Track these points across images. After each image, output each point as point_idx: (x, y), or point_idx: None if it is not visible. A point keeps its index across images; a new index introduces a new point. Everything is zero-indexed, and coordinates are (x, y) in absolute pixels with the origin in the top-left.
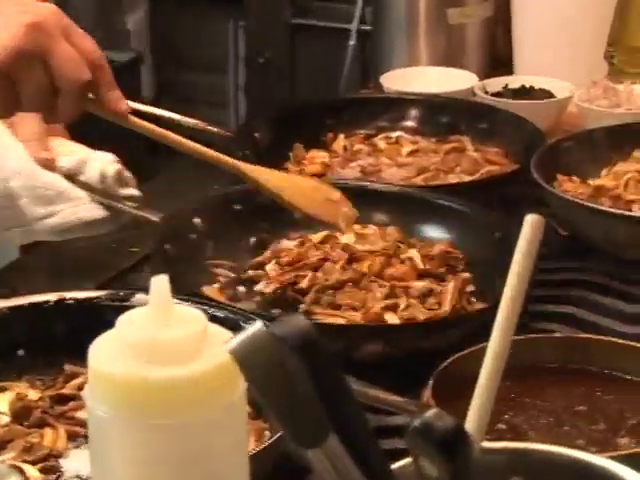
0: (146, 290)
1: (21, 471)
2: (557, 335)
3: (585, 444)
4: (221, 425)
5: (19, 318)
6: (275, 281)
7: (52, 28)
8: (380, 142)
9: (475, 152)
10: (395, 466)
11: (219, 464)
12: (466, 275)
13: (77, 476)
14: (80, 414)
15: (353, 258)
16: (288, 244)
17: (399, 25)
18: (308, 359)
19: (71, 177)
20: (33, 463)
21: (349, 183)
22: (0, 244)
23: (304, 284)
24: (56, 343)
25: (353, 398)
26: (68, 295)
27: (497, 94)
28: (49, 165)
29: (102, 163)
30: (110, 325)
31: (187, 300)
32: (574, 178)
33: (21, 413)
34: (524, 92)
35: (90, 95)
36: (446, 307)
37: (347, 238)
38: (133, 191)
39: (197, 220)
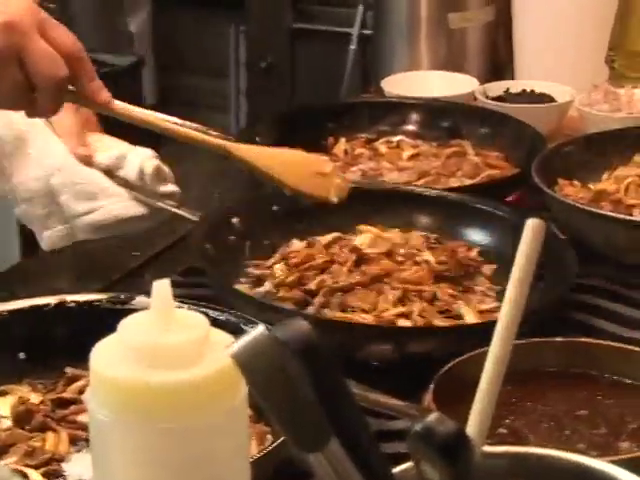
0: (148, 294)
1: (25, 476)
2: (558, 339)
3: (586, 448)
4: (222, 429)
5: (20, 321)
6: (282, 282)
7: (27, 26)
8: (381, 146)
9: (476, 156)
10: (396, 470)
11: (220, 468)
12: (484, 280)
13: None
14: (81, 418)
15: (362, 260)
16: (298, 245)
17: (400, 29)
18: (309, 363)
19: (109, 173)
20: (36, 467)
21: (400, 187)
22: (1, 247)
23: (313, 285)
24: (57, 346)
25: (354, 402)
26: (69, 298)
27: (498, 98)
28: (87, 161)
29: (141, 159)
30: (111, 328)
31: (187, 304)
32: (575, 182)
33: (23, 417)
34: (525, 96)
35: (71, 87)
36: (469, 314)
37: (361, 240)
38: (172, 187)
39: (235, 220)
